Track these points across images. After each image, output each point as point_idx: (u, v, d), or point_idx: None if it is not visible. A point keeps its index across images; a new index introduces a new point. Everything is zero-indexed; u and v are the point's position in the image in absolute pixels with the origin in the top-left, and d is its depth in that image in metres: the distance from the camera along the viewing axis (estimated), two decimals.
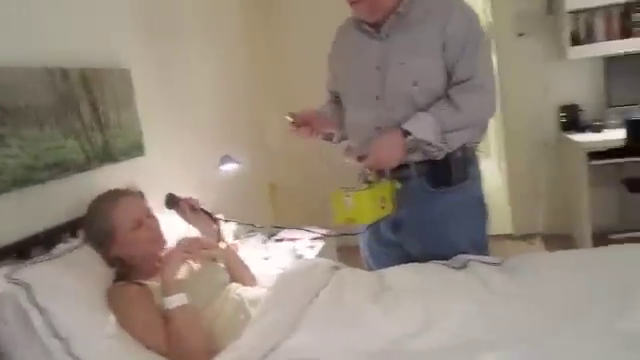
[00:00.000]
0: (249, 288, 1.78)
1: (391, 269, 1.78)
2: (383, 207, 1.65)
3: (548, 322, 1.38)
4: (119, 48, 2.30)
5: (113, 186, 2.11)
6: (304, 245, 2.64)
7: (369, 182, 1.67)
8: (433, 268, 1.71)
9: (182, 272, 1.60)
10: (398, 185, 1.73)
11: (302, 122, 1.85)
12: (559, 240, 3.90)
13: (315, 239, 2.70)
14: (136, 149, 2.29)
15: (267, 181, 3.81)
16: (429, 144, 1.69)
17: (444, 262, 1.75)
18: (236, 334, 1.53)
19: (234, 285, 1.79)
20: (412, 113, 1.70)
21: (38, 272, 1.47)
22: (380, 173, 1.71)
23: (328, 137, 2.02)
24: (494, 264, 1.70)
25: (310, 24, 3.74)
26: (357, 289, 1.63)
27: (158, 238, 1.74)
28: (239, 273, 1.92)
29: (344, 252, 2.89)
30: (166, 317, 1.52)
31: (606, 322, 1.32)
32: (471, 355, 1.28)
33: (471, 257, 1.74)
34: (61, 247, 1.65)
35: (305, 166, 3.86)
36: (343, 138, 2.01)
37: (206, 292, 1.68)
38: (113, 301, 1.58)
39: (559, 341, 1.28)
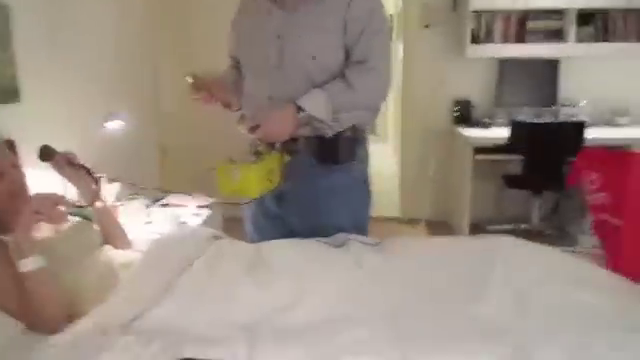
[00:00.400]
0: (122, 251, 1.70)
1: (270, 243, 1.77)
2: (270, 180, 1.64)
3: (411, 303, 1.45)
4: None
5: None
6: (189, 212, 2.57)
7: (259, 153, 1.66)
8: (311, 245, 1.73)
9: (42, 231, 1.49)
10: (287, 158, 1.73)
11: (203, 86, 1.78)
12: (440, 227, 4.13)
13: (201, 207, 2.64)
14: (9, 94, 2.09)
15: (157, 143, 3.66)
16: (321, 121, 1.70)
17: (325, 240, 1.78)
18: (103, 299, 1.46)
19: (106, 247, 1.70)
20: (308, 88, 1.71)
21: None
22: (270, 145, 1.70)
23: (227, 105, 1.97)
24: (371, 245, 1.75)
25: None
26: (233, 261, 1.61)
27: (20, 192, 1.58)
28: (113, 235, 1.83)
29: (230, 223, 2.83)
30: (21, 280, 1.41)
31: (462, 306, 1.40)
32: (335, 331, 1.31)
33: (350, 236, 1.77)
34: None
35: (198, 131, 3.76)
36: (242, 107, 1.97)
37: (71, 253, 1.58)
38: None
39: (418, 322, 1.35)
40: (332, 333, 1.32)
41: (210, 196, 2.78)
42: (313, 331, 1.35)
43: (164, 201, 2.73)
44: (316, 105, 1.67)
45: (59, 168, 1.75)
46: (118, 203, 2.48)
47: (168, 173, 3.72)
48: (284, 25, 1.75)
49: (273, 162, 1.66)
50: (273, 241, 1.78)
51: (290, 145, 1.75)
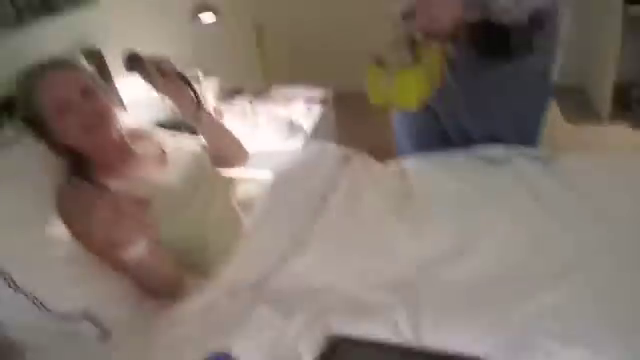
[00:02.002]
0: (238, 184, 1.44)
1: (416, 162, 1.44)
2: (430, 83, 1.28)
3: (609, 247, 1.10)
4: None
5: (55, 47, 1.67)
6: (299, 110, 2.25)
7: (415, 45, 1.28)
8: (469, 165, 1.38)
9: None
10: (451, 50, 1.37)
11: None
12: (575, 92, 3.56)
13: (311, 100, 2.31)
14: None
15: (252, 24, 3.25)
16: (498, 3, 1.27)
17: (482, 153, 1.42)
18: (229, 252, 1.25)
19: (219, 181, 1.45)
20: None
21: None
22: (430, 35, 1.30)
23: None
24: (541, 161, 1.37)
25: None
26: (375, 195, 1.31)
27: (93, 126, 1.31)
28: (226, 151, 1.58)
29: (342, 105, 2.50)
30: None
31: None
32: (520, 295, 1.01)
33: (513, 149, 1.40)
34: None
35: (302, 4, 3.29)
36: None
37: (187, 200, 1.35)
38: (64, 211, 1.25)
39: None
40: (517, 298, 1.02)
41: (317, 82, 2.44)
42: (490, 290, 1.06)
43: (268, 97, 2.42)
44: None
45: (150, 79, 1.46)
46: (217, 101, 2.21)
47: (268, 58, 3.36)
48: None
49: (434, 61, 1.29)
50: (420, 159, 1.45)
51: (454, 35, 1.34)
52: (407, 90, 1.22)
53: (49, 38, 1.64)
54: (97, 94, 1.34)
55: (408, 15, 1.27)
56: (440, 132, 1.59)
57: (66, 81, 1.31)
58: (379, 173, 1.41)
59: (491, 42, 1.36)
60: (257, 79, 2.81)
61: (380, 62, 1.25)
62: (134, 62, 1.45)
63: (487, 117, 1.50)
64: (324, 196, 1.31)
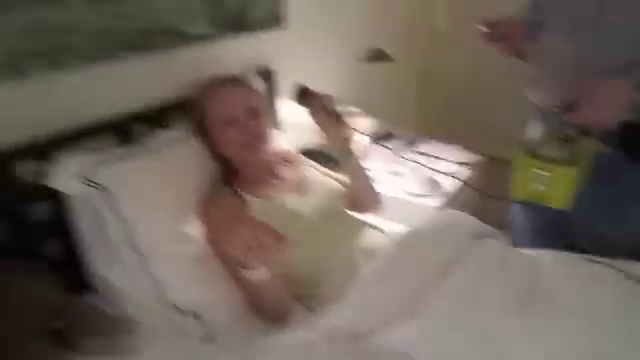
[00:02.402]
0: (368, 235, 1.44)
1: (551, 257, 1.34)
2: (580, 181, 1.19)
3: None
4: None
5: (239, 63, 1.83)
6: (445, 168, 2.20)
7: (569, 139, 1.21)
8: (607, 276, 1.25)
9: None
10: (605, 149, 1.26)
11: (500, 35, 1.39)
12: None
13: (461, 164, 2.26)
14: (275, 19, 1.92)
15: (416, 71, 3.27)
16: None
17: (621, 266, 1.28)
18: (339, 292, 1.25)
19: (351, 224, 1.47)
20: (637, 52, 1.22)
21: (122, 173, 1.25)
22: (584, 130, 1.23)
23: (521, 54, 1.53)
24: None
25: None
26: (500, 281, 1.23)
27: (250, 144, 1.42)
28: (361, 195, 1.60)
29: (494, 175, 2.38)
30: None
31: None
32: None
33: None
34: (160, 137, 1.41)
35: (467, 54, 3.24)
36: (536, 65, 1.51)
37: (312, 228, 1.39)
38: (204, 210, 1.37)
39: None
40: None
41: (472, 141, 2.38)
42: None
43: (418, 147, 2.41)
44: None
45: (313, 112, 1.53)
46: (368, 142, 2.25)
47: (428, 102, 3.35)
48: None
49: (587, 157, 1.19)
50: (556, 257, 1.34)
51: (608, 132, 1.26)
52: (561, 188, 1.13)
53: (235, 53, 1.80)
54: (260, 115, 1.45)
55: (567, 108, 1.20)
56: (565, 233, 1.47)
57: (235, 98, 1.43)
58: (510, 259, 1.33)
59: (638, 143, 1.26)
60: (411, 126, 2.81)
61: (532, 153, 1.18)
62: (304, 96, 1.53)
63: (628, 226, 1.38)
64: (449, 268, 1.26)
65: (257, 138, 1.43)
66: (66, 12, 1.27)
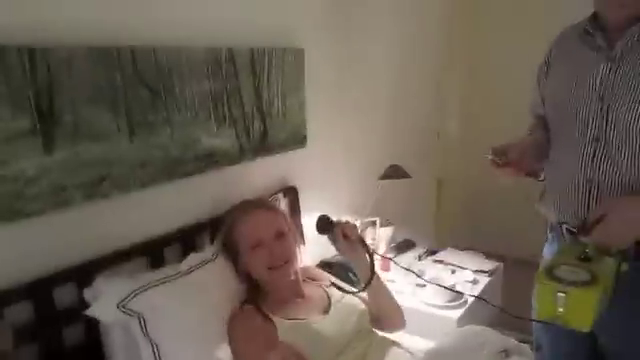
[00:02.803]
0: (389, 351, 1.45)
1: None
2: (603, 301, 1.19)
3: None
4: (294, 22, 2.03)
5: (264, 182, 1.93)
6: (466, 277, 2.23)
7: (587, 259, 1.22)
8: None
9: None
10: (625, 267, 1.25)
11: (506, 162, 1.43)
12: None
13: (480, 272, 2.28)
14: (297, 141, 2.05)
15: (435, 181, 3.37)
16: None
17: None
18: None
19: (374, 339, 1.47)
20: None
21: (155, 300, 1.30)
22: (604, 249, 1.24)
23: (533, 173, 1.58)
24: None
25: (521, 27, 3.15)
26: None
27: (278, 265, 1.48)
28: (385, 314, 1.62)
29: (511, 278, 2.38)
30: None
31: None
32: None
33: None
34: (190, 259, 1.47)
35: (478, 164, 3.35)
36: (547, 182, 1.56)
37: (335, 343, 1.40)
38: (233, 329, 1.40)
39: None
40: None
41: (490, 250, 2.41)
42: None
43: (438, 256, 2.45)
44: None
45: (335, 242, 1.59)
46: (390, 255, 2.29)
47: (446, 211, 3.42)
48: (607, 81, 1.28)
49: (608, 277, 1.20)
50: None
51: (629, 251, 1.26)
52: (583, 311, 1.13)
53: (260, 174, 1.91)
54: (288, 237, 1.52)
55: (586, 230, 1.22)
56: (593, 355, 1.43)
57: (264, 221, 1.51)
58: None
59: None
60: (431, 235, 2.87)
61: (550, 274, 1.17)
62: (325, 225, 1.59)
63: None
64: None
65: (284, 260, 1.49)
66: (107, 146, 1.38)
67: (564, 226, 1.39)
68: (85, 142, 1.33)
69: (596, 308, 1.13)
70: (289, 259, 1.51)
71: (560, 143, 1.43)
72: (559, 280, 1.15)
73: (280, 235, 1.51)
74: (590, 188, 1.32)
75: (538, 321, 1.22)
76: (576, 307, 1.12)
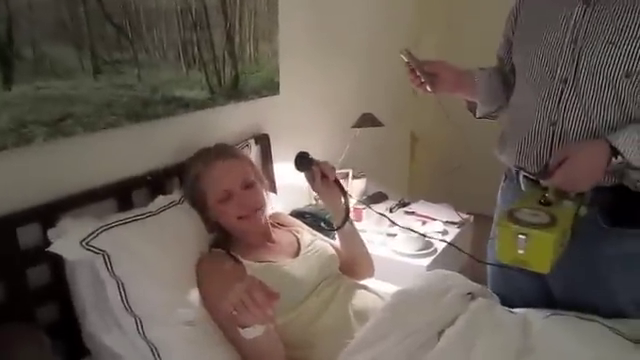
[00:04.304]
0: (358, 295, 1.47)
1: (541, 316, 1.37)
2: (562, 244, 1.21)
3: None
4: None
5: (236, 128, 1.90)
6: (436, 228, 2.26)
7: (547, 202, 1.24)
8: (601, 336, 1.28)
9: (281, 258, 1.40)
10: (584, 211, 1.26)
11: (422, 69, 1.44)
12: None
13: (449, 223, 2.32)
14: (269, 88, 2.01)
15: (408, 132, 3.37)
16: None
17: (608, 323, 1.31)
18: (332, 353, 1.27)
19: (342, 287, 1.49)
20: (612, 115, 1.25)
21: (121, 238, 1.28)
22: (563, 193, 1.26)
23: (471, 106, 1.61)
24: None
25: None
26: (492, 342, 1.26)
27: (248, 215, 1.47)
28: (355, 262, 1.64)
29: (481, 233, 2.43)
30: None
31: None
32: None
33: None
34: (159, 201, 1.46)
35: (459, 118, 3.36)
36: (488, 115, 1.60)
37: (307, 288, 1.42)
38: (202, 273, 1.39)
39: None
40: None
41: (462, 205, 2.44)
42: None
43: (409, 208, 2.47)
44: (638, 150, 1.18)
45: (312, 182, 1.58)
46: (361, 206, 2.31)
47: (419, 164, 3.44)
48: (581, 25, 1.27)
49: (567, 219, 1.22)
50: (545, 314, 1.37)
51: (587, 195, 1.28)
52: (543, 253, 1.14)
53: (232, 120, 1.88)
54: (256, 186, 1.51)
55: (546, 174, 1.24)
56: (544, 293, 1.47)
57: (230, 172, 1.49)
58: (501, 318, 1.36)
59: (618, 210, 1.28)
60: (403, 189, 2.89)
61: (511, 217, 1.19)
62: (304, 162, 1.57)
63: (605, 288, 1.37)
64: (440, 329, 1.29)
65: (253, 209, 1.48)
66: (70, 84, 1.34)
67: (521, 172, 1.39)
68: (46, 78, 1.28)
69: (555, 250, 1.16)
70: (258, 207, 1.49)
71: (525, 86, 1.41)
72: (519, 222, 1.16)
73: (248, 185, 1.49)
74: (554, 131, 1.32)
75: (500, 265, 1.25)
76: (536, 248, 1.14)
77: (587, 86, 1.27)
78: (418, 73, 1.45)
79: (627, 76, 1.22)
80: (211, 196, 1.47)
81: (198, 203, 1.50)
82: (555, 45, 1.31)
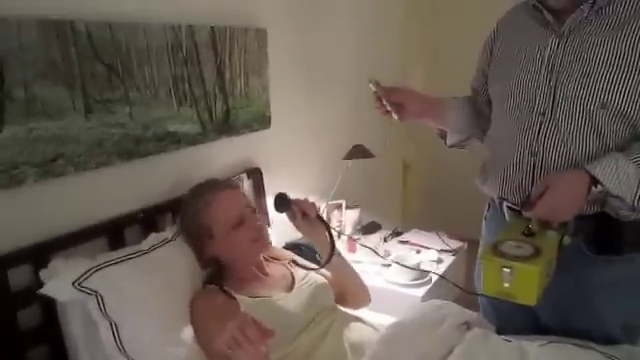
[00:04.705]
0: (353, 328, 1.46)
1: (537, 345, 1.36)
2: (548, 275, 1.20)
3: None
4: (256, 2, 2.00)
5: (228, 162, 1.91)
6: (430, 257, 2.26)
7: (530, 233, 1.24)
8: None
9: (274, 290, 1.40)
10: (568, 241, 1.26)
11: (389, 99, 1.47)
12: None
13: (444, 251, 2.32)
14: (260, 122, 2.03)
15: (400, 160, 3.39)
16: (621, 200, 1.21)
17: (608, 352, 1.30)
18: None
19: (338, 320, 1.48)
20: (591, 146, 1.25)
21: (113, 278, 1.27)
22: (546, 223, 1.26)
23: (442, 134, 1.63)
24: None
25: (484, 11, 3.18)
26: None
27: (260, 238, 1.49)
28: (350, 292, 1.63)
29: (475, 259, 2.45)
30: None
31: None
32: None
33: None
34: (151, 239, 1.45)
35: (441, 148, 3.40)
36: (458, 143, 1.62)
37: (301, 319, 1.40)
38: (196, 310, 1.38)
39: None
40: None
41: (454, 232, 2.45)
42: None
43: (403, 237, 2.47)
44: (619, 179, 1.17)
45: (294, 220, 1.58)
46: (355, 237, 2.31)
47: (412, 193, 3.45)
48: (557, 56, 1.28)
49: (551, 250, 1.22)
50: (541, 343, 1.36)
51: (570, 224, 1.27)
52: (529, 285, 1.12)
53: (224, 155, 1.89)
54: (256, 212, 1.52)
55: (529, 205, 1.23)
56: (533, 321, 1.47)
57: (236, 198, 1.51)
58: (497, 348, 1.34)
59: (602, 238, 1.28)
60: (397, 217, 2.89)
61: (495, 250, 1.18)
62: (282, 202, 1.56)
63: (593, 315, 1.36)
64: (438, 358, 1.28)
65: (261, 232, 1.50)
66: (61, 124, 1.34)
67: (505, 203, 1.40)
68: (38, 119, 1.29)
69: (541, 281, 1.15)
70: (264, 231, 1.52)
71: (504, 117, 1.41)
72: (504, 255, 1.16)
73: (254, 209, 1.52)
74: (535, 162, 1.32)
75: (486, 296, 1.24)
76: (521, 281, 1.13)
77: (565, 118, 1.27)
78: (384, 102, 1.47)
79: (603, 107, 1.23)
80: (220, 226, 1.46)
81: (200, 238, 1.49)
82: (532, 78, 1.32)
